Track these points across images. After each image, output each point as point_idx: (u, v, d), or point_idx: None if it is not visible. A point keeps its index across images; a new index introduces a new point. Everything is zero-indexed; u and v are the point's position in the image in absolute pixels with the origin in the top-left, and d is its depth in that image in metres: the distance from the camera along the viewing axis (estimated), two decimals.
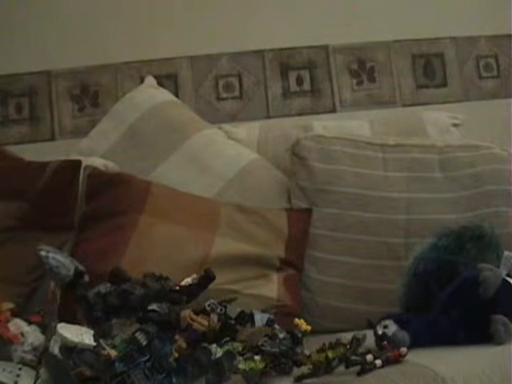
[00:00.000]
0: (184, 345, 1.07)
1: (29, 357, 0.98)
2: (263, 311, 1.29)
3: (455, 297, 1.29)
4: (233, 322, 1.19)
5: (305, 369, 1.09)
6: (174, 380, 0.99)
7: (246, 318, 1.21)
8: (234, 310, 1.20)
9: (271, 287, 1.59)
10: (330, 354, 1.07)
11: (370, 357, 1.08)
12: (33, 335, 1.01)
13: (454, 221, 1.60)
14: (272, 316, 1.25)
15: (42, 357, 0.97)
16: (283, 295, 1.59)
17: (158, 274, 1.21)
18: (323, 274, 1.70)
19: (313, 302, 1.68)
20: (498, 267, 1.28)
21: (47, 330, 1.01)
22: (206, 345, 1.07)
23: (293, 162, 1.81)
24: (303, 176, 1.78)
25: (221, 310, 1.18)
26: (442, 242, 1.42)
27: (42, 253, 1.15)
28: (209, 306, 1.18)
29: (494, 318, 1.20)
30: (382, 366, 1.08)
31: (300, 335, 1.19)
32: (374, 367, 1.07)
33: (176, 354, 1.04)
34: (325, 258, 1.71)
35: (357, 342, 1.12)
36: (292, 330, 1.20)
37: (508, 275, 1.28)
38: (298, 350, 1.17)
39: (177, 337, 1.09)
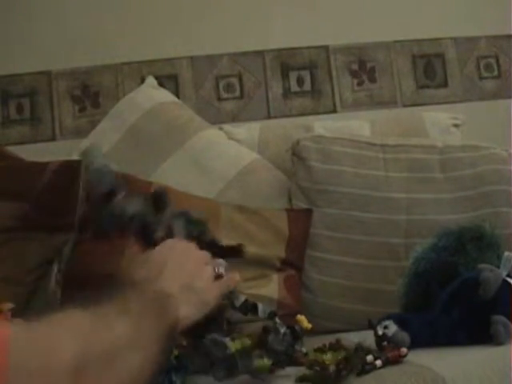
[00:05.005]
0: (183, 342, 1.07)
1: None
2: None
3: (455, 297, 1.29)
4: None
5: (307, 371, 1.08)
6: (174, 377, 0.99)
7: (249, 307, 1.19)
8: (239, 298, 1.18)
9: (271, 287, 1.59)
10: (328, 358, 1.06)
11: (370, 357, 1.08)
12: None
13: (455, 221, 1.60)
14: (274, 309, 1.23)
15: None
16: (283, 295, 1.59)
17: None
18: (323, 274, 1.70)
19: (313, 302, 1.68)
20: (499, 267, 1.28)
21: None
22: (218, 337, 1.04)
23: (293, 162, 1.81)
24: (303, 176, 1.78)
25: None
26: (442, 243, 1.41)
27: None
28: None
29: (494, 319, 1.20)
30: (383, 367, 1.08)
31: (300, 331, 1.18)
32: (374, 367, 1.07)
33: (176, 352, 1.03)
34: (325, 259, 1.71)
35: (361, 350, 1.11)
36: (293, 325, 1.19)
37: (508, 275, 1.28)
38: (297, 347, 1.16)
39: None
